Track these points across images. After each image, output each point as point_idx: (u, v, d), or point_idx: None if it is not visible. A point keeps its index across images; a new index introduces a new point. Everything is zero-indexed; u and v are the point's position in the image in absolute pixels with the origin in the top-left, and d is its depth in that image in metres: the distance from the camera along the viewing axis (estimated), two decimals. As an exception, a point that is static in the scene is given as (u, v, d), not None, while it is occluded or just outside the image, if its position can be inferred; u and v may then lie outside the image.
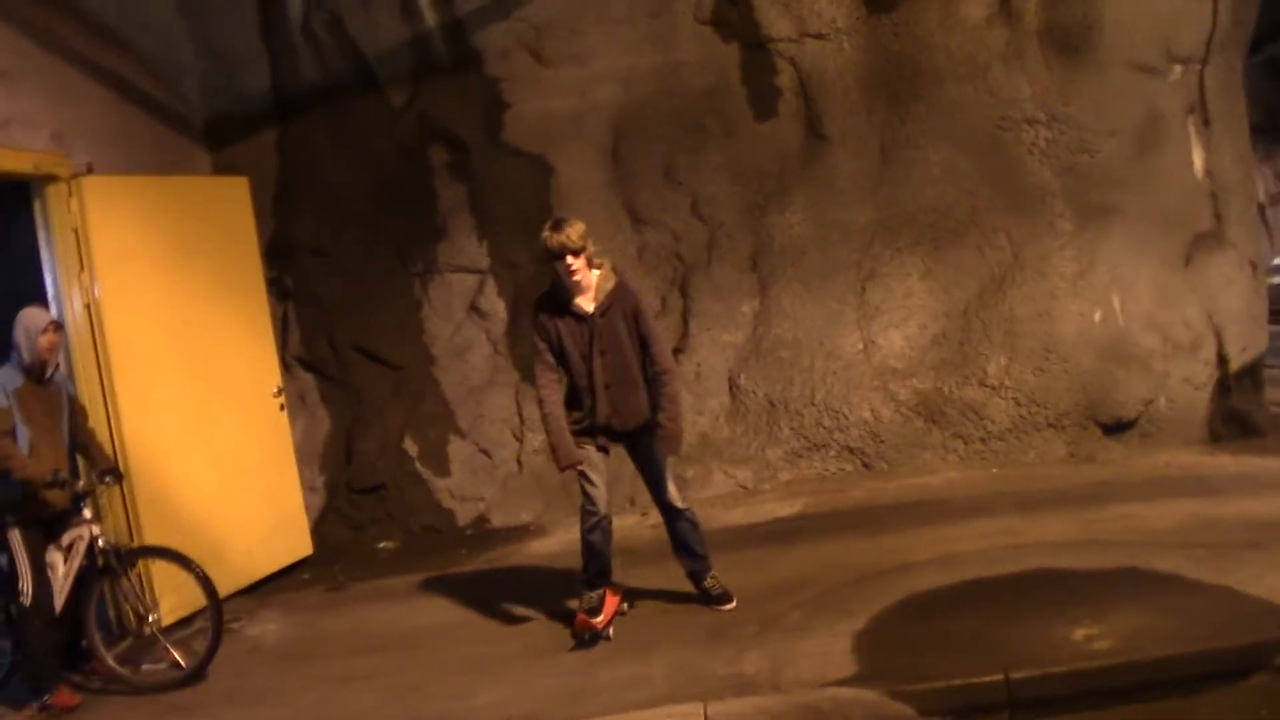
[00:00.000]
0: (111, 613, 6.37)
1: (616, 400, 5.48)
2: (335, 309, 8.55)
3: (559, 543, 7.70)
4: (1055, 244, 7.88)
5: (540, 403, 5.44)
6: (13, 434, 5.50)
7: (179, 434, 7.05)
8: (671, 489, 5.63)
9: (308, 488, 8.35)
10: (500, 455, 8.44)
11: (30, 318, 5.65)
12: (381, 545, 8.39)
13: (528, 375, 8.34)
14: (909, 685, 4.46)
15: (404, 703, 5.13)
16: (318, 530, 8.33)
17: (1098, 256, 7.84)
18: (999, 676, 4.42)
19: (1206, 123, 7.87)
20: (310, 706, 5.29)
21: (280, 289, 8.42)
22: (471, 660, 5.56)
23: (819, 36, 7.97)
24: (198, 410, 7.23)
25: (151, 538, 6.54)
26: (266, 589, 7.54)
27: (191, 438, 7.15)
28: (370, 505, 8.55)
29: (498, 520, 8.39)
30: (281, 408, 8.01)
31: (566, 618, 5.79)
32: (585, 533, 5.58)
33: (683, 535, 5.68)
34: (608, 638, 5.51)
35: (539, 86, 8.18)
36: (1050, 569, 5.63)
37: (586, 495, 5.51)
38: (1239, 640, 4.52)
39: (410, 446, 8.46)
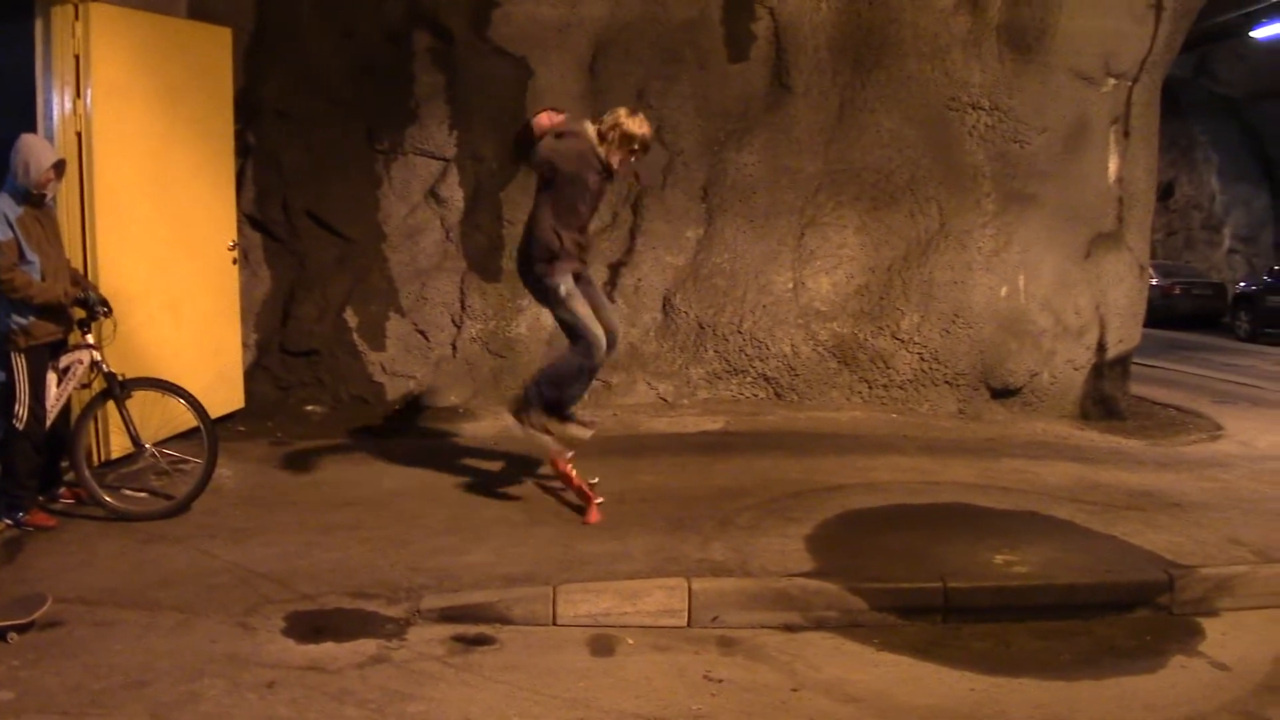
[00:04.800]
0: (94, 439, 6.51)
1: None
2: (293, 173, 8.66)
3: (491, 427, 8.17)
4: (978, 221, 8.71)
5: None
6: (20, 261, 5.54)
7: (144, 274, 7.11)
8: None
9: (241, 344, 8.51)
10: (437, 338, 8.79)
11: (36, 150, 5.61)
12: (310, 408, 8.65)
13: (475, 265, 8.75)
14: (863, 583, 5.14)
15: (396, 554, 5.48)
16: (246, 386, 8.49)
17: (1013, 238, 8.71)
18: (938, 584, 5.16)
19: (1126, 134, 8.80)
20: (299, 550, 5.55)
21: (241, 145, 8.45)
22: (448, 523, 5.99)
23: (802, -8, 8.52)
24: (162, 253, 7.31)
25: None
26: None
27: (154, 280, 7.22)
28: (301, 368, 8.78)
29: (427, 400, 8.75)
30: (234, 262, 8.14)
31: (522, 494, 6.38)
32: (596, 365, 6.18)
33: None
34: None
35: (531, -11, 8.48)
36: (964, 504, 6.49)
37: (593, 332, 6.02)
38: (1129, 578, 5.40)
39: (350, 317, 8.72)
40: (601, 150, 5.93)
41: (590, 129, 5.97)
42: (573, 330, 6.08)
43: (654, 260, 8.79)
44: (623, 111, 5.97)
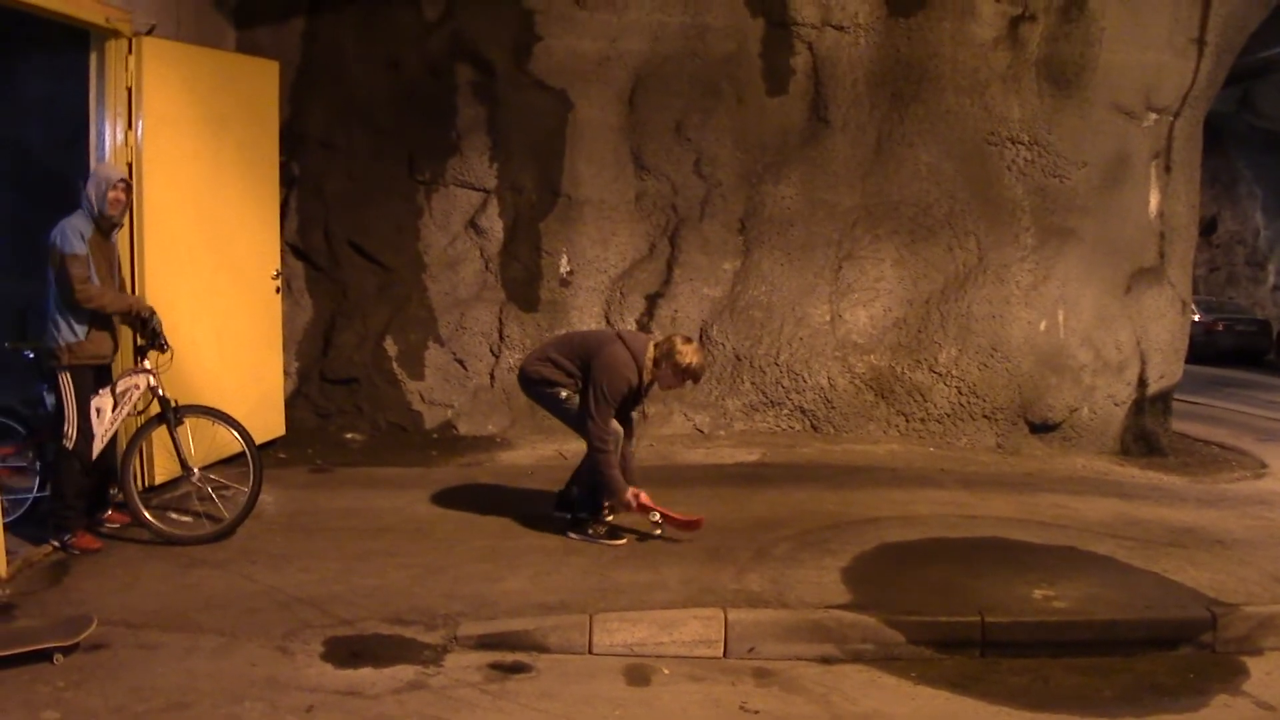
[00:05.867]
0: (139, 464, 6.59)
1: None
2: (336, 203, 8.81)
3: (528, 456, 8.23)
4: (1017, 255, 8.69)
5: (606, 441, 5.99)
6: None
7: (190, 302, 7.21)
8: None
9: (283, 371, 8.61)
10: (475, 367, 8.86)
11: (104, 171, 5.84)
12: (349, 436, 8.72)
13: (514, 295, 8.83)
14: (900, 616, 5.12)
15: (433, 581, 5.51)
16: (287, 413, 8.58)
17: (1052, 272, 8.69)
18: (976, 618, 5.14)
19: (1168, 169, 8.77)
20: (338, 575, 5.58)
21: (286, 175, 8.58)
22: (484, 551, 6.00)
23: (839, 28, 8.57)
24: (208, 281, 7.44)
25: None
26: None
27: (200, 307, 7.33)
28: (341, 396, 8.88)
29: (464, 428, 8.82)
30: (277, 290, 8.25)
31: (557, 523, 6.38)
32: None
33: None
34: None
35: (572, 25, 8.58)
36: (1003, 538, 6.43)
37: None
38: (1171, 615, 5.35)
39: (390, 346, 8.81)
40: (648, 374, 6.09)
41: (650, 350, 6.10)
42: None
43: (691, 292, 8.83)
44: (679, 341, 6.09)
